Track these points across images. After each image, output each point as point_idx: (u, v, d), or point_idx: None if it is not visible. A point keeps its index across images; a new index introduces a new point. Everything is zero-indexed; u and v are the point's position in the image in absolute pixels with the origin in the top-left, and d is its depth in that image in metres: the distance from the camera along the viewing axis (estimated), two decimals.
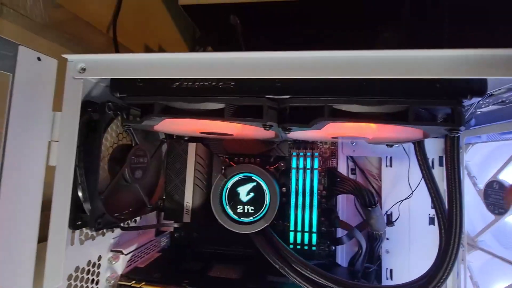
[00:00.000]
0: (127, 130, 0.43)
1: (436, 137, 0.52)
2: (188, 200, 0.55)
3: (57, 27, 0.50)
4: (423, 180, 0.51)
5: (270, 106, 0.33)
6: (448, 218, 0.35)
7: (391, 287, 0.38)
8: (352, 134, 0.39)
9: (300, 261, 0.41)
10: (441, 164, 0.56)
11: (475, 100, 0.32)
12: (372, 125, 0.38)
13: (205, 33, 0.85)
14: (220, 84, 0.34)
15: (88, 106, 0.37)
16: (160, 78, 0.34)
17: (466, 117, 0.36)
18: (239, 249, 0.58)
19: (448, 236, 0.34)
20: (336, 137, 0.42)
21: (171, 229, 0.59)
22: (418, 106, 0.31)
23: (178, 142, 0.56)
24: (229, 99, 0.33)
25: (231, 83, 0.33)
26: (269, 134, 0.45)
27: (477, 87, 0.30)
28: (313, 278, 0.39)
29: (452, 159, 0.35)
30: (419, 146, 0.44)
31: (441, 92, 0.30)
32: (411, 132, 0.37)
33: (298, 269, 0.41)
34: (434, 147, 0.56)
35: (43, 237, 0.34)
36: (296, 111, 0.33)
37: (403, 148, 0.54)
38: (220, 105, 0.34)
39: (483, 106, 0.42)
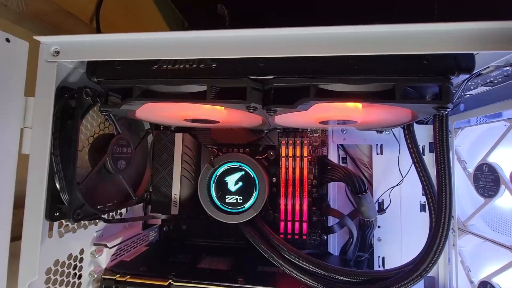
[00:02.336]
0: (107, 117, 0.41)
1: (425, 123, 0.52)
2: (176, 192, 0.53)
3: (37, 16, 0.48)
4: (413, 166, 0.51)
5: (254, 87, 0.32)
6: (438, 200, 0.34)
7: (381, 272, 0.37)
8: (339, 117, 0.39)
9: (290, 249, 0.40)
10: (431, 151, 0.56)
11: (462, 77, 0.31)
12: (359, 106, 0.37)
13: (193, 25, 0.83)
14: (201, 65, 0.32)
15: (65, 92, 0.35)
16: (139, 60, 0.33)
17: (454, 99, 0.36)
18: (229, 241, 0.57)
19: (438, 219, 0.33)
20: (325, 122, 0.41)
21: (159, 222, 0.57)
22: (405, 84, 0.30)
23: (164, 132, 0.54)
24: (211, 81, 0.32)
25: (213, 64, 0.32)
26: (256, 120, 0.44)
27: (465, 63, 0.29)
28: (304, 266, 0.38)
29: (441, 141, 0.34)
30: (408, 130, 0.43)
31: (428, 69, 0.29)
32: (399, 112, 0.36)
33: (288, 257, 0.40)
34: (424, 134, 0.56)
35: (18, 236, 0.32)
36: (281, 92, 0.32)
37: (393, 134, 0.53)
38: (202, 87, 0.32)
39: (472, 88, 0.42)
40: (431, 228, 0.39)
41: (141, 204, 0.55)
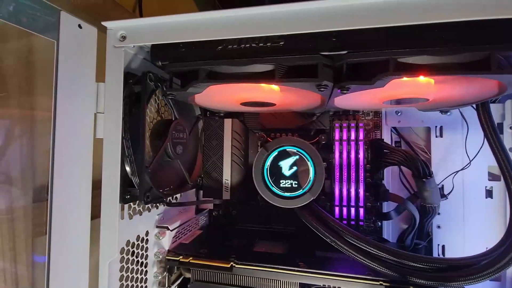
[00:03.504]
0: (168, 103, 0.42)
1: (492, 101, 0.47)
2: (227, 177, 0.53)
3: (86, 8, 0.49)
4: (481, 148, 0.47)
5: (325, 64, 0.30)
6: None
7: (460, 260, 0.35)
8: (410, 95, 0.36)
9: (352, 232, 0.39)
10: (500, 132, 0.51)
11: None
12: (432, 82, 0.34)
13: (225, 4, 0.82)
14: (268, 43, 0.31)
15: (129, 78, 0.36)
16: (203, 41, 0.32)
17: None
18: (279, 226, 0.56)
19: None
20: (392, 102, 0.38)
21: (210, 207, 0.58)
22: (502, 52, 0.26)
23: (213, 119, 0.54)
24: (280, 59, 0.31)
25: (281, 42, 0.31)
26: (314, 102, 0.42)
27: None
28: (371, 251, 0.37)
29: None
30: (483, 108, 0.39)
31: None
32: (483, 86, 0.32)
33: (352, 242, 0.38)
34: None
35: (94, 215, 0.34)
36: (354, 68, 0.30)
37: (460, 113, 0.49)
38: (269, 67, 0.31)
39: None
40: None
41: (194, 190, 0.56)
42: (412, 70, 0.29)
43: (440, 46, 0.27)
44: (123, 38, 0.33)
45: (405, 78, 0.33)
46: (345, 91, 0.31)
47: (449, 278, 0.32)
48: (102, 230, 0.33)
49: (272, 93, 0.39)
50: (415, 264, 0.35)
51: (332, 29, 0.29)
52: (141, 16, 0.60)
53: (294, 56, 0.30)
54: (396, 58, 0.28)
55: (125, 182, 0.35)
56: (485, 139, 0.39)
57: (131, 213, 0.38)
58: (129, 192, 0.36)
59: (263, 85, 0.37)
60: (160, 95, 0.41)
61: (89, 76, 0.33)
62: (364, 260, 0.37)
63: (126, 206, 0.37)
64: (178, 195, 0.53)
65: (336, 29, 0.29)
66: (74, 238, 0.32)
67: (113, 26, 0.33)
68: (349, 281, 0.37)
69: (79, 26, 0.32)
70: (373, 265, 0.36)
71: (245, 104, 0.41)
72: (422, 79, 0.34)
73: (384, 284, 0.36)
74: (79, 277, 0.32)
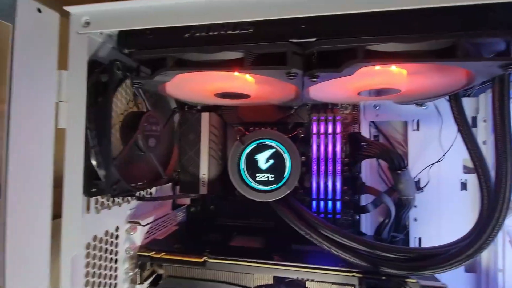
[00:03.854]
0: (137, 93, 0.40)
1: (467, 95, 0.48)
2: (204, 171, 0.52)
3: None
4: (456, 141, 0.48)
5: (295, 52, 0.30)
6: (497, 172, 0.31)
7: (430, 249, 0.35)
8: (382, 85, 0.36)
9: (326, 225, 0.39)
10: (474, 126, 0.52)
11: None
12: (404, 73, 0.34)
13: None
14: (237, 30, 0.30)
15: (95, 66, 0.34)
16: (171, 28, 0.31)
17: None
18: (258, 221, 0.56)
19: (498, 191, 0.31)
20: (363, 92, 0.38)
21: (187, 202, 0.57)
22: (468, 40, 0.27)
23: (190, 112, 0.53)
24: (248, 47, 0.30)
25: (249, 29, 0.30)
26: (288, 93, 0.42)
27: None
28: (345, 243, 0.36)
29: (502, 106, 0.31)
30: (455, 100, 0.39)
31: (496, 22, 0.26)
32: (452, 76, 0.33)
33: (326, 234, 0.38)
34: (466, 108, 0.51)
35: (57, 215, 0.32)
36: (323, 55, 0.30)
37: (435, 106, 0.50)
38: (238, 54, 0.31)
39: None
40: (483, 201, 0.36)
41: (170, 184, 0.55)
42: (380, 57, 0.28)
43: (407, 33, 0.27)
44: (87, 24, 0.32)
45: (377, 68, 0.33)
46: (314, 79, 0.30)
47: (420, 267, 0.33)
48: (64, 224, 0.31)
49: (246, 84, 0.38)
50: (387, 255, 0.35)
51: (301, 15, 0.28)
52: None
53: (263, 43, 0.30)
54: (365, 45, 0.28)
55: (92, 175, 0.34)
56: (458, 132, 0.40)
57: (99, 207, 0.37)
58: (95, 185, 0.35)
59: (237, 74, 0.36)
60: (131, 86, 0.40)
61: (50, 63, 0.31)
62: (337, 252, 0.37)
63: (93, 200, 0.36)
64: (153, 190, 0.51)
65: (305, 15, 0.28)
66: (33, 238, 0.30)
67: (76, 11, 0.32)
68: (322, 273, 0.37)
69: (38, 10, 0.30)
70: (347, 256, 0.36)
71: (219, 95, 0.41)
72: (394, 69, 0.34)
73: (357, 275, 0.36)
74: (39, 277, 0.30)
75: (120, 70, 0.35)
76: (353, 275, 0.36)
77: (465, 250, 0.31)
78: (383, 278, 0.35)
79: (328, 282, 0.37)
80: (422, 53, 0.28)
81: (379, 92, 0.38)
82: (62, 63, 0.32)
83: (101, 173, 0.34)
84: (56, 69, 0.32)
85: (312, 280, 0.38)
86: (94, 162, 0.33)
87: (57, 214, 0.32)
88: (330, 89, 0.37)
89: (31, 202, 0.29)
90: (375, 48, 0.28)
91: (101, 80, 0.35)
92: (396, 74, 0.34)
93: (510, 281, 0.47)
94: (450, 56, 0.27)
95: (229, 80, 0.37)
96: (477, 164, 0.38)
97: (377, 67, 0.33)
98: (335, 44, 0.29)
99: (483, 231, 0.31)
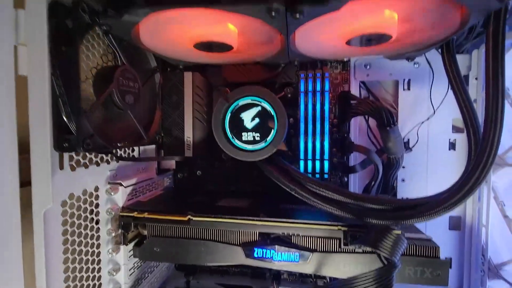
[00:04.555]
0: (111, 44, 0.37)
1: (459, 52, 0.46)
2: (189, 134, 0.51)
3: None
4: (445, 101, 0.47)
5: None
6: (485, 126, 0.30)
7: (412, 200, 0.35)
8: (372, 30, 0.33)
9: (313, 180, 0.38)
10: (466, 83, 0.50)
11: None
12: (395, 15, 0.32)
13: None
14: None
15: (58, 8, 0.31)
16: None
17: None
18: (246, 185, 0.55)
19: (484, 145, 0.29)
20: (354, 40, 0.36)
21: (173, 167, 0.56)
22: None
23: (173, 72, 0.50)
24: None
25: None
26: (273, 47, 0.39)
27: None
28: (329, 195, 0.36)
29: (496, 47, 0.29)
30: (447, 51, 0.38)
31: None
32: (444, 16, 0.31)
33: (311, 189, 0.37)
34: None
35: (27, 182, 0.30)
36: None
37: (426, 59, 0.48)
38: None
39: None
40: (470, 157, 0.35)
41: (154, 148, 0.53)
42: None
43: None
44: None
45: (367, 7, 0.31)
46: (297, 15, 0.28)
47: (403, 216, 0.32)
48: (33, 178, 0.29)
49: (228, 32, 0.35)
50: (371, 205, 0.34)
51: None
52: None
53: None
54: None
55: (62, 128, 0.32)
56: (449, 86, 0.39)
57: (74, 164, 0.35)
58: (67, 140, 0.32)
59: (217, 20, 0.33)
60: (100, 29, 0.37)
61: (4, 0, 0.28)
62: (322, 205, 0.36)
63: (66, 156, 0.34)
64: (136, 154, 0.49)
65: None
66: (2, 205, 0.28)
67: None
68: (307, 228, 0.37)
69: None
70: (331, 208, 0.35)
71: (199, 45, 0.38)
72: (384, 12, 0.31)
73: (342, 228, 0.36)
74: (9, 243, 0.29)
75: (87, 13, 0.32)
76: (338, 229, 0.36)
77: (447, 200, 0.31)
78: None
79: (313, 236, 0.37)
80: None
81: (369, 40, 0.35)
82: (19, 1, 0.29)
83: (71, 126, 0.32)
84: (12, 7, 0.29)
85: (298, 235, 0.37)
86: (63, 114, 0.31)
87: (27, 181, 0.30)
88: (316, 36, 0.35)
89: None
90: None
91: (66, 24, 0.32)
92: (387, 17, 0.32)
93: (493, 236, 0.48)
94: None
95: (209, 26, 0.34)
96: (468, 119, 0.37)
97: (368, 7, 0.30)
98: None
99: (467, 181, 0.31)
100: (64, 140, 0.32)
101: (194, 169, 0.56)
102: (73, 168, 0.35)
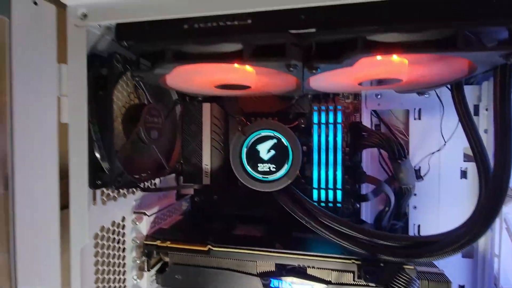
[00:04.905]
0: (138, 85, 0.40)
1: (470, 83, 0.47)
2: (207, 162, 0.53)
3: None
4: (457, 130, 0.48)
5: (294, 43, 0.29)
6: (495, 159, 0.32)
7: (426, 237, 0.36)
8: (383, 76, 0.35)
9: (327, 214, 0.39)
10: (475, 114, 0.51)
11: None
12: (405, 62, 0.34)
13: None
14: (235, 22, 0.30)
15: (95, 60, 0.34)
16: (169, 20, 0.31)
17: None
18: (261, 210, 0.57)
19: (497, 179, 0.31)
20: (365, 83, 0.38)
21: (191, 192, 0.58)
22: (468, 29, 0.26)
23: (192, 103, 0.53)
24: (247, 38, 0.30)
25: (248, 20, 0.30)
26: (289, 84, 0.42)
27: None
28: (343, 231, 0.37)
29: (503, 95, 0.31)
30: (457, 89, 0.39)
31: (497, 10, 0.25)
32: (453, 66, 0.32)
33: (326, 223, 0.39)
34: (468, 96, 0.51)
35: (65, 205, 0.33)
36: (323, 47, 0.29)
37: (437, 94, 0.49)
38: (237, 46, 0.30)
39: None
40: (480, 191, 0.37)
41: (173, 175, 0.56)
42: (380, 48, 0.28)
43: (407, 23, 0.27)
44: (84, 16, 0.32)
45: (378, 58, 0.33)
46: (314, 71, 0.30)
47: (415, 254, 0.33)
48: (72, 216, 0.32)
49: (246, 75, 0.38)
50: (385, 242, 0.36)
51: (301, 5, 0.28)
52: None
53: (262, 34, 0.30)
54: (365, 36, 0.28)
55: (96, 168, 0.35)
56: (459, 121, 0.40)
57: (105, 198, 0.38)
58: (100, 178, 0.35)
59: (236, 66, 0.36)
60: (132, 79, 0.40)
61: (49, 57, 0.32)
62: (337, 240, 0.38)
63: (98, 192, 0.37)
64: (157, 181, 0.52)
65: (304, 6, 0.28)
66: (42, 229, 0.31)
67: (73, 3, 0.32)
68: (322, 260, 0.38)
69: (34, 3, 0.30)
70: (346, 244, 0.37)
71: (219, 87, 0.41)
72: (395, 58, 0.33)
73: (356, 262, 0.37)
74: (50, 267, 0.32)
75: (120, 63, 0.35)
76: (352, 262, 0.37)
77: (460, 239, 0.32)
78: (381, 265, 0.36)
79: (328, 269, 0.38)
80: (423, 43, 0.27)
81: (380, 82, 0.37)
82: (62, 57, 0.32)
83: (105, 165, 0.35)
84: (56, 62, 0.32)
85: (313, 267, 0.39)
86: (98, 155, 0.34)
87: (65, 205, 0.33)
88: (331, 79, 0.37)
89: (38, 194, 0.30)
90: (374, 38, 0.28)
91: (101, 73, 0.35)
92: (397, 64, 0.34)
93: (505, 266, 0.48)
94: (450, 46, 0.26)
95: (229, 71, 0.37)
96: (477, 154, 0.38)
97: (378, 57, 0.32)
98: (334, 35, 0.28)
99: (479, 221, 0.32)
100: (98, 178, 0.35)
101: (211, 194, 0.58)
102: (104, 202, 0.38)
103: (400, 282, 0.31)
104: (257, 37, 0.30)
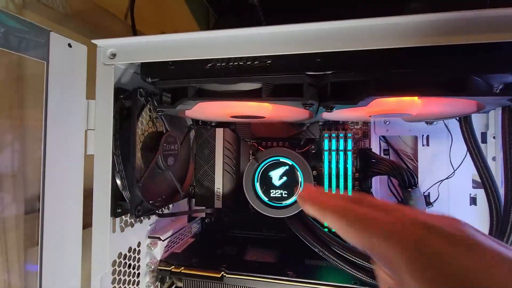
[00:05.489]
0: (160, 116, 0.42)
1: (485, 112, 0.49)
2: (219, 185, 0.54)
3: (78, 16, 0.50)
4: (467, 158, 0.49)
5: (310, 84, 0.31)
6: (506, 189, 0.32)
7: None
8: (395, 111, 0.37)
9: (339, 243, 0.40)
10: (483, 141, 0.52)
11: None
12: (416, 99, 0.35)
13: (222, 16, 0.82)
14: (255, 62, 0.32)
15: (119, 93, 0.36)
16: (193, 60, 0.33)
17: None
18: (270, 233, 0.57)
19: (508, 208, 0.32)
20: (375, 115, 0.39)
21: (202, 215, 0.59)
22: (477, 75, 0.28)
23: (205, 128, 0.55)
24: (267, 78, 0.31)
25: (268, 61, 0.32)
26: (302, 115, 0.43)
27: None
28: (356, 261, 0.38)
29: (511, 130, 0.32)
30: (465, 121, 0.40)
31: (503, 59, 0.27)
32: (463, 104, 0.34)
33: (337, 251, 0.40)
34: (476, 123, 0.52)
35: (86, 224, 0.35)
36: (338, 87, 0.31)
37: (445, 124, 0.51)
38: (256, 85, 0.32)
39: None
40: (492, 219, 0.37)
41: (186, 199, 0.57)
42: (393, 90, 0.30)
43: (418, 68, 0.28)
44: (113, 55, 0.34)
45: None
46: (329, 110, 0.31)
47: None
48: (94, 245, 0.33)
49: (262, 108, 0.40)
50: None
51: (317, 50, 0.30)
52: (132, 23, 0.60)
53: (281, 76, 0.31)
54: (377, 78, 0.30)
55: (116, 196, 0.36)
56: (467, 151, 0.41)
57: (123, 225, 0.39)
58: (120, 206, 0.37)
59: (254, 104, 0.37)
60: (151, 107, 0.42)
61: (79, 94, 0.34)
62: (349, 270, 0.38)
63: (117, 219, 0.38)
64: (170, 205, 0.53)
65: (320, 51, 0.30)
66: (66, 248, 0.32)
67: (103, 44, 0.34)
68: None
69: (69, 45, 0.32)
70: (358, 274, 0.37)
71: (235, 117, 0.42)
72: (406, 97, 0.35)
73: None
74: (71, 286, 0.33)
75: (143, 96, 0.37)
76: None
77: None
78: None
79: None
80: (434, 86, 0.29)
81: (391, 116, 0.39)
82: (90, 93, 0.34)
83: (126, 195, 0.36)
84: (85, 98, 0.34)
85: None
86: (119, 185, 0.35)
87: (87, 223, 0.35)
88: (343, 113, 0.39)
89: (64, 216, 0.32)
90: (388, 80, 0.30)
91: (125, 106, 0.37)
92: (408, 101, 0.35)
93: None
94: (459, 91, 0.28)
95: (245, 105, 0.39)
96: (485, 181, 0.39)
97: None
98: (349, 78, 0.30)
99: None
100: (118, 206, 0.36)
101: (221, 216, 0.59)
102: (122, 229, 0.39)
103: None
104: (276, 78, 0.31)
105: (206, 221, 0.60)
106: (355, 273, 0.38)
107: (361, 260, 0.38)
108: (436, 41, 0.26)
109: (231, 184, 0.55)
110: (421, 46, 0.27)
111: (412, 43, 0.27)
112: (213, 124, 0.54)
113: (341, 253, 0.40)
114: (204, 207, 0.54)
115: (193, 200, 0.56)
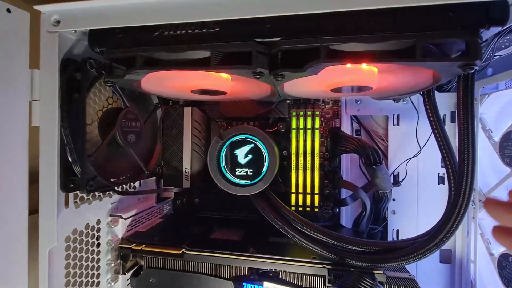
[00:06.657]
0: (113, 90, 0.41)
1: (447, 90, 0.48)
2: (187, 166, 0.53)
3: None
4: (432, 137, 0.49)
5: (260, 51, 0.30)
6: (459, 169, 0.32)
7: (395, 242, 0.36)
8: (353, 83, 0.36)
9: (300, 219, 0.40)
10: (452, 120, 0.52)
11: (493, 31, 0.27)
12: (375, 70, 0.34)
13: None
14: (204, 30, 0.31)
15: (69, 64, 0.35)
16: (140, 27, 0.31)
17: (483, 58, 0.32)
18: (242, 214, 0.57)
19: (458, 188, 0.31)
20: (337, 89, 0.38)
21: (170, 194, 0.59)
22: (427, 40, 0.27)
23: (173, 107, 0.54)
24: (215, 46, 0.30)
25: (216, 28, 0.30)
26: (264, 90, 0.42)
27: (498, 14, 0.26)
28: (315, 236, 0.38)
29: (465, 105, 0.31)
30: (428, 97, 0.40)
31: (454, 22, 0.26)
32: (419, 75, 0.33)
33: (298, 227, 0.39)
34: (446, 102, 0.52)
35: (35, 210, 0.34)
36: (289, 55, 0.30)
37: (412, 102, 0.50)
38: (206, 53, 0.31)
39: (503, 46, 0.38)
40: (450, 198, 0.37)
41: (154, 178, 0.56)
42: (343, 57, 0.29)
43: (368, 33, 0.27)
44: (57, 22, 0.32)
45: (348, 65, 0.33)
46: (279, 79, 0.31)
47: (382, 259, 0.34)
48: (41, 218, 0.33)
49: (222, 81, 0.39)
50: (354, 247, 0.36)
51: (266, 15, 0.28)
52: None
53: (229, 43, 0.30)
54: (328, 45, 0.29)
55: (68, 171, 0.35)
56: (430, 127, 0.41)
57: (78, 202, 0.38)
58: (72, 181, 0.36)
59: (212, 73, 0.36)
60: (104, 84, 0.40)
61: (21, 63, 0.32)
62: (308, 245, 0.38)
63: (71, 195, 0.37)
64: (137, 184, 0.52)
65: (270, 15, 0.29)
66: (10, 233, 0.31)
67: (46, 10, 0.32)
68: (294, 264, 0.39)
69: (8, 10, 0.31)
70: (316, 249, 0.37)
71: (195, 91, 0.41)
72: (364, 67, 0.34)
73: (327, 267, 0.37)
74: (18, 270, 0.32)
75: (94, 68, 0.36)
76: (323, 267, 0.38)
77: (426, 244, 0.33)
78: (352, 269, 0.36)
79: (300, 273, 0.39)
80: (383, 53, 0.28)
81: (351, 89, 0.38)
82: (35, 62, 0.33)
83: (76, 169, 0.35)
84: (28, 68, 0.33)
85: (285, 271, 0.39)
86: (69, 159, 0.34)
87: (36, 210, 0.34)
88: (302, 85, 0.38)
89: (6, 198, 0.31)
90: (337, 47, 0.29)
91: (75, 78, 0.35)
92: (367, 72, 0.35)
93: (481, 271, 0.49)
94: (410, 57, 0.27)
95: (203, 77, 0.38)
96: (447, 160, 0.38)
97: (348, 65, 0.33)
98: (298, 44, 0.29)
99: (444, 226, 0.32)
100: (70, 181, 0.35)
101: (192, 197, 0.59)
102: (77, 205, 0.38)
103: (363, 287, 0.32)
104: (224, 45, 0.30)
105: (177, 202, 0.60)
106: (313, 248, 0.37)
107: (318, 235, 0.38)
108: (384, 3, 0.26)
109: (200, 164, 0.54)
110: (368, 9, 0.26)
111: (357, 6, 0.26)
112: (181, 103, 0.53)
113: (301, 229, 0.39)
114: (171, 187, 0.53)
115: (162, 181, 0.55)
